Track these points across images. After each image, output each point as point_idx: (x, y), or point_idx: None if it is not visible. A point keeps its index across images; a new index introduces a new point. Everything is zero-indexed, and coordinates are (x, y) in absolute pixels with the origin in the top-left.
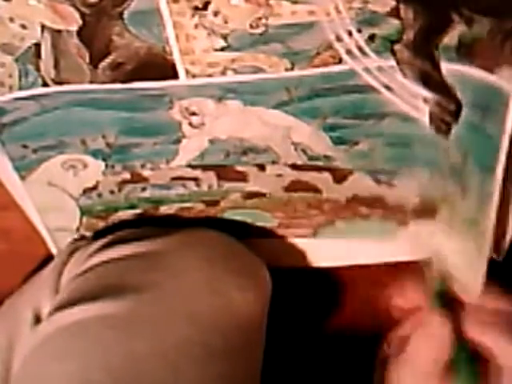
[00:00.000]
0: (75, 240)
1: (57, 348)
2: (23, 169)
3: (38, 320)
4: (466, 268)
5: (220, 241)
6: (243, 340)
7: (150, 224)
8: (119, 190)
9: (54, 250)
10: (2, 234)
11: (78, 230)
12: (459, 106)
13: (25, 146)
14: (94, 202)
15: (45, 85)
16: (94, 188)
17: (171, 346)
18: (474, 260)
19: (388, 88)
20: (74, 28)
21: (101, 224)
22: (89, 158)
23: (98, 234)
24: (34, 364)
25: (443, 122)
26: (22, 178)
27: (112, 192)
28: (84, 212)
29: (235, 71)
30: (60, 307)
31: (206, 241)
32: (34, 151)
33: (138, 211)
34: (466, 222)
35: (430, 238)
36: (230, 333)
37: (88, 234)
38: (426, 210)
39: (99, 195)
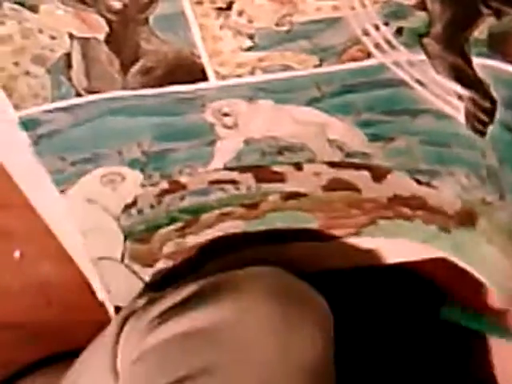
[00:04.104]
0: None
1: None
2: (62, 183)
3: None
4: (503, 281)
5: (275, 288)
6: None
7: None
8: (159, 203)
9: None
10: (1, 234)
11: (122, 258)
12: (494, 105)
13: (62, 159)
14: (134, 220)
15: (78, 95)
16: (134, 204)
17: None
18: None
19: (420, 83)
20: (102, 35)
21: (144, 249)
22: (126, 170)
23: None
24: None
25: (479, 120)
26: (62, 192)
27: (152, 206)
28: (127, 234)
29: (264, 70)
30: None
31: (260, 297)
32: (73, 164)
33: (179, 225)
34: (504, 234)
35: (472, 248)
36: None
37: (135, 265)
38: (467, 217)
39: (139, 211)
